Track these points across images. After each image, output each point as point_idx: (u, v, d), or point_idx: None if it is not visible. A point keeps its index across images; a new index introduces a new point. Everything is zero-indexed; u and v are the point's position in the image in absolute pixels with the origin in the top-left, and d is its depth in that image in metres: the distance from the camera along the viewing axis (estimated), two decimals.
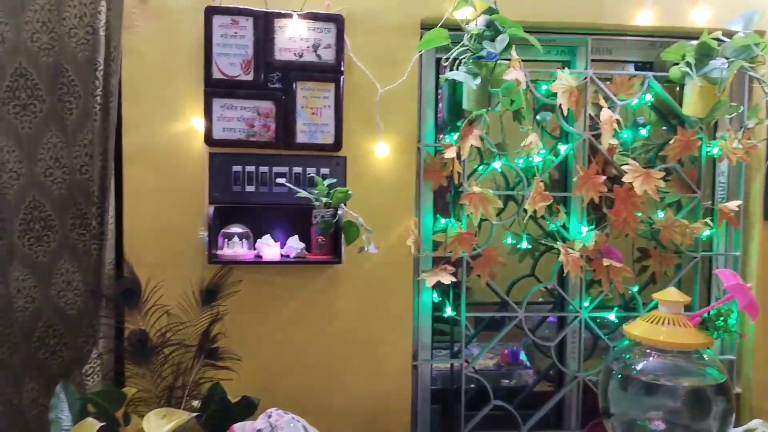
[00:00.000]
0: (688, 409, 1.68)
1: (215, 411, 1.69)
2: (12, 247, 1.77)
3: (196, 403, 1.71)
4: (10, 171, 1.74)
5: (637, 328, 1.69)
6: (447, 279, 1.84)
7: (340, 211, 1.76)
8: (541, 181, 1.80)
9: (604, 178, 1.82)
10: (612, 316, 1.97)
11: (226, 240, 1.77)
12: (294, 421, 1.64)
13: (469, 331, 1.98)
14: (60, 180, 1.77)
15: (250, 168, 1.81)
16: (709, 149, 1.92)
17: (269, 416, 1.63)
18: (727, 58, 1.73)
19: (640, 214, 1.87)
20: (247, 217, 1.82)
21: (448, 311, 1.94)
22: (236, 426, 1.62)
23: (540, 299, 2.32)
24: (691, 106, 1.81)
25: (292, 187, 1.80)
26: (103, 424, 1.56)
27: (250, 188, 1.81)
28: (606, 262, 1.86)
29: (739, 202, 1.93)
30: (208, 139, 1.78)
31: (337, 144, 1.81)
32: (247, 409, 1.72)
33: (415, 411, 1.93)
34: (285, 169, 1.82)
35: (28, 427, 1.79)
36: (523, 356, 2.40)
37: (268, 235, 1.80)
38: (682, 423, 1.67)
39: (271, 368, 1.84)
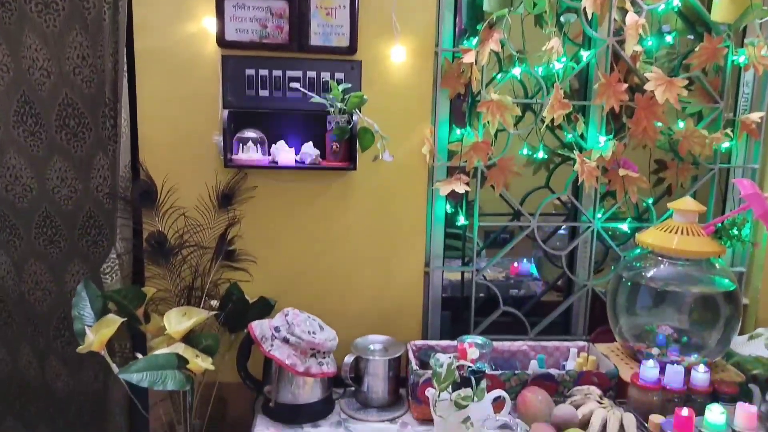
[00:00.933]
0: (696, 316, 1.72)
1: (233, 310, 1.75)
2: (51, 141, 1.79)
3: (214, 303, 1.76)
4: (41, 68, 1.74)
5: (650, 237, 1.70)
6: (461, 188, 1.84)
7: (355, 118, 1.74)
8: (561, 89, 1.76)
9: (625, 86, 1.77)
10: (625, 227, 1.98)
11: (241, 145, 1.76)
12: (310, 320, 1.69)
13: (479, 246, 2.00)
14: (88, 79, 1.75)
15: (264, 72, 1.77)
16: (735, 57, 1.86)
17: (286, 315, 1.68)
18: None
19: (660, 124, 1.84)
20: (261, 122, 1.80)
21: (461, 220, 1.95)
22: (254, 323, 1.68)
23: (553, 212, 2.32)
24: (720, 10, 1.74)
25: (306, 91, 1.76)
26: (124, 319, 1.62)
27: (263, 92, 1.78)
28: (622, 172, 1.84)
29: (762, 114, 1.89)
30: (221, 41, 1.73)
31: (353, 47, 1.76)
32: (264, 309, 1.77)
33: (426, 316, 1.98)
34: (299, 74, 1.78)
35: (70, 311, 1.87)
36: (532, 268, 2.43)
37: (282, 141, 1.78)
38: (688, 330, 1.71)
39: (286, 272, 1.88)
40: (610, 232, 1.99)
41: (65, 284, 1.89)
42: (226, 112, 1.73)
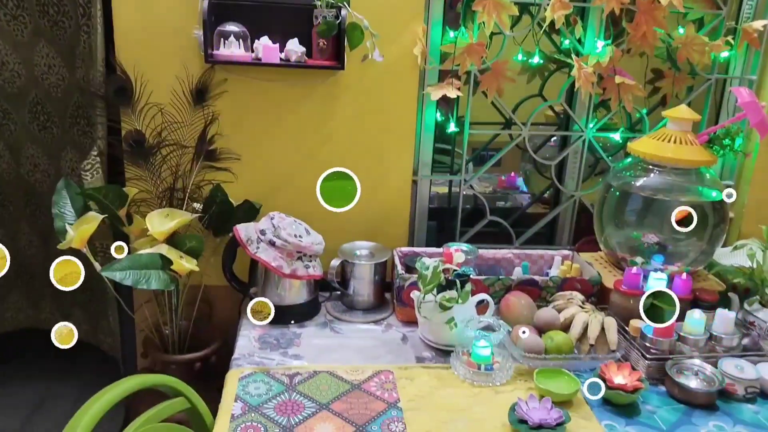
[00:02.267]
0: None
1: (217, 212, 1.71)
2: (36, 25, 1.73)
3: (197, 206, 1.72)
4: None
5: (642, 145, 1.68)
6: (453, 93, 1.78)
7: (343, 12, 1.64)
8: None
9: None
10: (617, 136, 1.95)
11: (222, 39, 1.67)
12: (296, 224, 1.67)
13: (467, 158, 1.97)
14: None
15: None
16: None
17: (272, 218, 1.65)
18: None
19: (660, 30, 1.77)
20: (243, 15, 1.69)
21: (452, 127, 1.90)
22: (239, 226, 1.65)
23: (544, 122, 2.28)
24: None
25: None
26: (105, 216, 1.58)
27: None
28: (618, 79, 1.79)
29: (766, 22, 1.83)
30: None
31: None
32: (250, 212, 1.74)
33: (412, 224, 1.96)
34: None
35: None
36: (519, 182, 2.42)
37: (266, 37, 1.69)
38: (674, 238, 1.72)
39: (271, 176, 1.84)
40: (601, 144, 1.96)
41: (61, 168, 1.87)
42: (206, 2, 1.62)
